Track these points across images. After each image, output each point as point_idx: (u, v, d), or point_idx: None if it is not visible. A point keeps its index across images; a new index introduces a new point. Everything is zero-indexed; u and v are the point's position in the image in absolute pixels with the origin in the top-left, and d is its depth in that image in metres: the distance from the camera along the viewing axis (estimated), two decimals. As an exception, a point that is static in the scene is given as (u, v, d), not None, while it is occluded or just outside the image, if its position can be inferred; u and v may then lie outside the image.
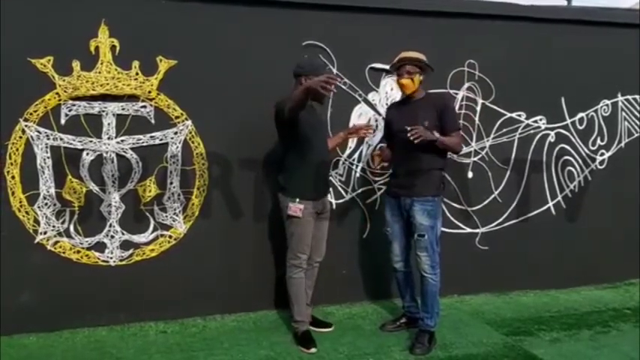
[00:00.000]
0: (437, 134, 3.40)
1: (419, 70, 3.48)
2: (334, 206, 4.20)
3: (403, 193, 3.54)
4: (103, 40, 3.61)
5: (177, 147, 3.82)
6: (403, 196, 3.54)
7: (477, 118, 4.45)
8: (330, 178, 4.13)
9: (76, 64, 3.58)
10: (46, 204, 3.63)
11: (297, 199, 3.44)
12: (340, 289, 4.26)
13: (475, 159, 4.48)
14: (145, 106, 3.74)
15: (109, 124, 3.69)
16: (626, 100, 4.84)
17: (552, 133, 4.66)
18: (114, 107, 3.68)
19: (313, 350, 3.46)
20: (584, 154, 4.77)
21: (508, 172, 4.57)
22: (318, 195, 3.55)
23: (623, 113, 4.85)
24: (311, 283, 3.76)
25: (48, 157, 3.61)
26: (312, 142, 3.47)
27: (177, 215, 3.86)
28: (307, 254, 3.55)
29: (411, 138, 3.29)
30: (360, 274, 4.32)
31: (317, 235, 3.62)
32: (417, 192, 3.47)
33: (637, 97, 4.86)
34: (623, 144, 4.87)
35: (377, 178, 4.29)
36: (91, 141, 3.67)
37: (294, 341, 3.59)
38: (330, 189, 4.14)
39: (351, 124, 4.16)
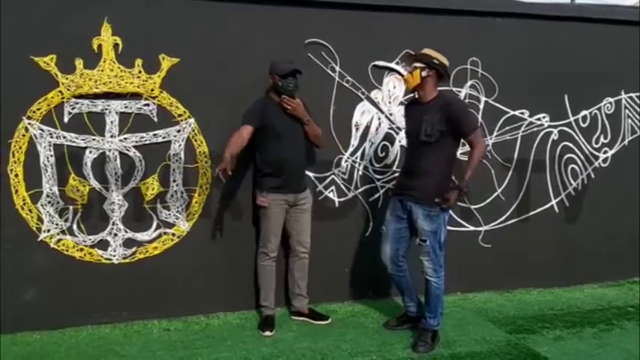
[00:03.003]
0: (463, 186, 3.41)
1: (423, 65, 3.38)
2: (337, 204, 4.20)
3: (408, 198, 3.50)
4: (106, 38, 3.61)
5: (180, 145, 3.82)
6: (407, 199, 3.51)
7: (479, 116, 4.44)
8: (333, 176, 4.15)
9: (79, 62, 3.58)
10: (49, 202, 3.63)
11: (264, 192, 3.65)
12: (343, 287, 4.27)
13: (478, 157, 4.47)
14: (147, 104, 3.74)
15: (111, 122, 3.69)
16: (630, 97, 4.83)
17: (555, 131, 4.65)
18: (117, 105, 3.69)
19: (267, 333, 3.65)
20: (587, 152, 4.76)
21: (511, 170, 4.57)
22: (285, 190, 3.67)
23: (627, 111, 4.84)
24: (301, 274, 3.89)
25: (51, 155, 3.61)
26: (281, 138, 3.61)
27: (180, 213, 3.87)
28: (274, 244, 3.73)
29: (447, 207, 3.42)
30: (362, 272, 4.32)
31: (296, 227, 3.78)
32: (421, 198, 3.43)
33: (640, 94, 4.86)
34: (626, 142, 4.86)
35: (379, 177, 4.28)
36: (94, 139, 3.67)
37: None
38: (333, 187, 4.16)
39: (354, 122, 4.18)
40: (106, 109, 3.68)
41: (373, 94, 4.21)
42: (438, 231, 3.45)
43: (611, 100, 4.78)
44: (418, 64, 3.40)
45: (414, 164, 3.52)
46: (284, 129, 3.62)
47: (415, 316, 3.76)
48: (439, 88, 3.49)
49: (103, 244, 3.76)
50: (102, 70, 3.63)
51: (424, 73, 3.39)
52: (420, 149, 3.45)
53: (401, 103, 4.22)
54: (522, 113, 4.55)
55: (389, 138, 4.28)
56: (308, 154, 3.83)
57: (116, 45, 3.63)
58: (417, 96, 3.52)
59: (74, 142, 3.65)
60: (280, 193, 3.66)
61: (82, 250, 3.72)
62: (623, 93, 4.80)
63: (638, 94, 4.84)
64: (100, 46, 3.61)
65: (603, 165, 4.82)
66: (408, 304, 3.79)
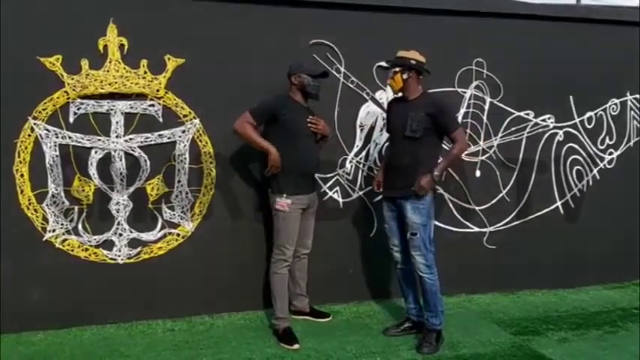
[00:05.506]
0: (436, 172, 3.42)
1: (401, 68, 3.45)
2: (341, 205, 4.20)
3: (397, 194, 3.53)
4: (112, 39, 3.62)
5: (185, 145, 3.83)
6: (395, 196, 3.54)
7: (485, 117, 4.44)
8: (338, 176, 4.16)
9: (84, 63, 3.59)
10: (55, 202, 3.64)
11: (285, 195, 3.53)
12: (347, 288, 4.27)
13: (483, 158, 4.47)
14: (153, 105, 3.75)
15: (117, 122, 3.70)
16: (635, 99, 4.82)
17: (561, 132, 4.64)
18: (122, 106, 3.70)
19: (296, 346, 3.49)
20: (592, 153, 4.74)
21: (516, 171, 4.56)
22: (304, 191, 3.63)
23: (632, 112, 4.83)
24: (302, 274, 3.89)
25: (57, 156, 3.62)
26: (300, 141, 3.57)
27: (185, 213, 3.87)
28: (293, 249, 3.63)
29: (421, 193, 3.42)
30: (367, 273, 4.31)
31: (303, 229, 3.73)
32: (409, 192, 3.45)
33: (646, 95, 4.85)
34: (632, 143, 4.85)
35: (384, 177, 4.28)
36: (99, 139, 3.68)
37: (274, 339, 3.61)
38: (338, 188, 4.16)
39: (358, 122, 4.18)
40: (112, 110, 3.69)
41: (378, 94, 4.21)
42: (427, 224, 3.50)
43: (617, 101, 4.77)
44: (397, 69, 3.47)
45: (397, 160, 3.55)
46: (304, 131, 3.59)
47: (417, 321, 3.75)
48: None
49: (108, 244, 3.77)
50: (107, 71, 3.64)
51: (405, 76, 3.48)
52: (403, 145, 3.49)
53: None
54: (527, 114, 4.54)
55: (393, 139, 4.28)
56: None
57: (122, 45, 3.64)
58: (405, 95, 3.55)
59: (80, 142, 3.66)
60: (300, 195, 3.60)
61: (87, 250, 3.73)
62: (628, 94, 4.79)
63: (644, 95, 4.84)
64: (105, 46, 3.62)
65: (608, 166, 4.80)
66: (411, 305, 3.77)
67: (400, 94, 3.58)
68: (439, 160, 3.56)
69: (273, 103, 3.55)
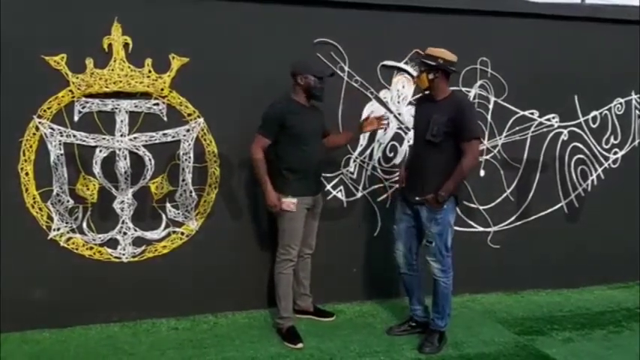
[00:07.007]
0: (442, 192, 3.30)
1: (427, 67, 3.37)
2: (345, 204, 4.19)
3: (413, 200, 3.49)
4: (116, 38, 3.62)
5: (190, 144, 3.83)
6: (413, 201, 3.50)
7: (489, 116, 4.43)
8: (342, 176, 4.15)
9: (89, 62, 3.59)
10: (59, 201, 3.65)
11: (290, 195, 3.53)
12: (351, 287, 4.27)
13: (487, 157, 4.46)
14: (157, 104, 3.75)
15: (121, 121, 3.71)
16: (640, 98, 4.82)
17: (565, 132, 4.62)
18: (127, 104, 3.70)
19: (300, 345, 3.51)
20: (597, 153, 4.73)
21: (520, 171, 4.55)
22: (310, 192, 3.63)
23: (637, 112, 4.81)
24: (305, 274, 3.90)
25: (61, 154, 3.63)
26: (306, 141, 3.56)
27: (189, 212, 3.88)
28: (298, 249, 3.63)
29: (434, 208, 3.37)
30: (370, 272, 4.32)
31: (307, 230, 3.73)
32: (424, 200, 3.41)
33: (651, 95, 4.83)
34: (636, 142, 4.83)
35: (388, 177, 4.28)
36: (104, 138, 3.69)
37: (278, 338, 3.62)
38: (342, 187, 4.16)
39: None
40: (116, 109, 3.69)
41: (382, 93, 4.20)
42: (443, 233, 3.44)
43: (622, 100, 4.75)
44: (423, 68, 3.41)
45: (418, 164, 3.52)
46: (309, 132, 3.57)
47: (421, 321, 3.74)
48: (452, 88, 3.45)
49: (113, 243, 3.77)
50: (112, 70, 3.64)
51: (431, 76, 3.39)
52: (424, 148, 3.44)
53: (410, 103, 4.22)
54: (532, 113, 4.53)
55: (397, 138, 4.28)
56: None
57: (126, 44, 3.64)
58: (432, 95, 3.49)
59: (84, 141, 3.66)
60: (306, 196, 3.59)
61: (91, 248, 3.73)
62: (633, 93, 4.77)
63: (648, 94, 4.82)
64: (110, 45, 3.62)
65: (613, 166, 4.79)
66: (415, 306, 3.77)
67: (428, 92, 3.50)
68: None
69: (278, 113, 3.50)
